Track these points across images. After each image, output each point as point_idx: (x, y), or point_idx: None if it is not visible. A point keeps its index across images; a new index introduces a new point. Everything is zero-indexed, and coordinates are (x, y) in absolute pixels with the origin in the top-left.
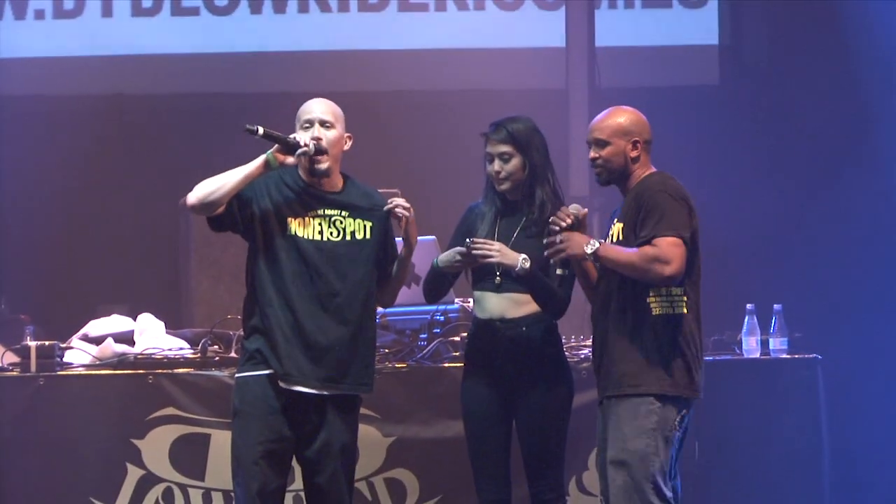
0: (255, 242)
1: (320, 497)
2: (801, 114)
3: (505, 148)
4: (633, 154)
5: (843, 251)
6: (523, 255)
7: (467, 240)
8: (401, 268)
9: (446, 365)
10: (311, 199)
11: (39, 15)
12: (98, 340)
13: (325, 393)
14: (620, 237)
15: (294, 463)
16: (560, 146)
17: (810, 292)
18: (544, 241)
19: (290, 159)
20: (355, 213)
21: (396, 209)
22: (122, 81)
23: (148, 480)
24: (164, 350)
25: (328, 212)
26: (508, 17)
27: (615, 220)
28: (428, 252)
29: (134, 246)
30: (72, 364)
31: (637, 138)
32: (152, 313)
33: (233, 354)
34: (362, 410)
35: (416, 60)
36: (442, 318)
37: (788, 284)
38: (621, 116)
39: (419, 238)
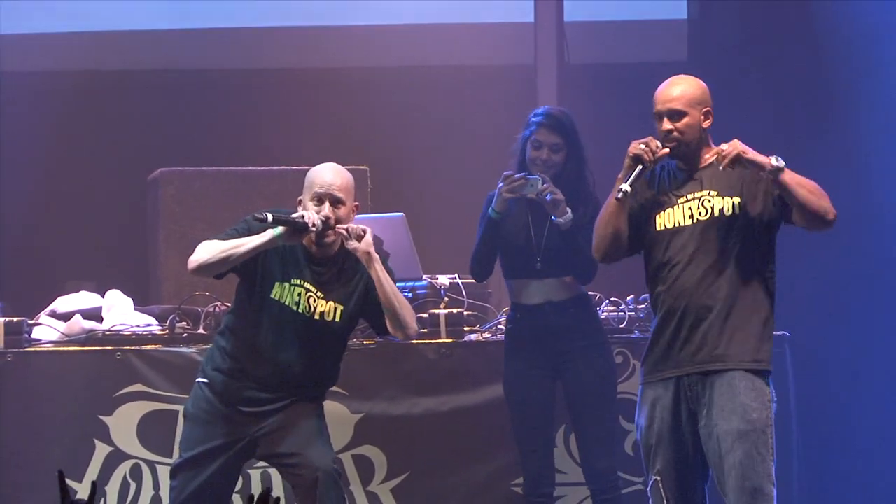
0: (245, 290)
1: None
2: (769, 92)
3: (557, 139)
4: (706, 124)
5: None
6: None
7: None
8: (384, 299)
9: (414, 342)
10: (300, 267)
11: None
12: (66, 317)
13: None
14: (736, 211)
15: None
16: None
17: (779, 269)
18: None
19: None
20: (331, 294)
21: (356, 253)
22: (90, 57)
23: (116, 457)
24: (132, 326)
25: (308, 286)
26: None
27: (707, 192)
28: (396, 229)
29: (102, 222)
30: (40, 340)
31: (708, 108)
32: (120, 290)
33: (201, 331)
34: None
35: (383, 36)
36: (410, 294)
37: None
38: (693, 85)
39: (387, 215)
